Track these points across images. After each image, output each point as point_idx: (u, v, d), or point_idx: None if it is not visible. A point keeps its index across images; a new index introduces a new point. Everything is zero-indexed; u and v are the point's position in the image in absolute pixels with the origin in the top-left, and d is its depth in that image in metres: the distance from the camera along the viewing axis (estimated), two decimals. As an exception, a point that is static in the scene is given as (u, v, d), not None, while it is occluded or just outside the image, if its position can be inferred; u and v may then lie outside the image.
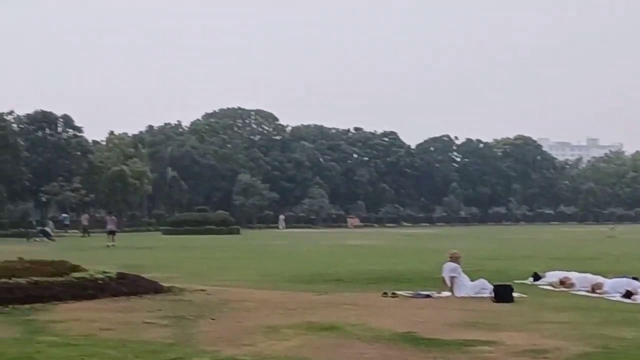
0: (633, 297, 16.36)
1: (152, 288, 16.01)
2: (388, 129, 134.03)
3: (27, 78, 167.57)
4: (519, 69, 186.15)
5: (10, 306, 13.40)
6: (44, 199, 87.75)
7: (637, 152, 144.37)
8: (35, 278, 14.73)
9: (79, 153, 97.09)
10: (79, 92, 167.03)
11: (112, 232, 49.13)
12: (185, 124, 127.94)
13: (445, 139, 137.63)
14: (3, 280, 14.46)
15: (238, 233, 71.10)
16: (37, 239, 55.81)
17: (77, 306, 13.77)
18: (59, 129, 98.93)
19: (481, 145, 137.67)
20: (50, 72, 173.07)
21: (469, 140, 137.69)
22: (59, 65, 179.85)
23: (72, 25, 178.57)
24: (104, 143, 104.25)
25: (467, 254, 22.74)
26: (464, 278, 17.09)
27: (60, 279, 15.09)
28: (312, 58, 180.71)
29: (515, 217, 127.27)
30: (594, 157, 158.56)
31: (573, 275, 19.05)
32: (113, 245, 44.68)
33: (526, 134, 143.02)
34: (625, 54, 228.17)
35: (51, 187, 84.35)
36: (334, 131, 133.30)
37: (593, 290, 17.57)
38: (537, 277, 20.02)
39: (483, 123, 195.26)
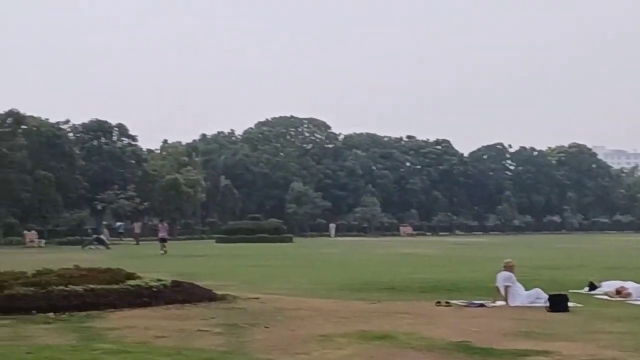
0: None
1: (206, 296, 16.07)
2: (441, 137, 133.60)
3: (83, 87, 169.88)
4: (573, 75, 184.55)
5: (67, 313, 13.55)
6: (99, 207, 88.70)
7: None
8: (91, 285, 14.88)
9: (133, 162, 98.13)
10: (134, 102, 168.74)
11: (163, 240, 48.97)
12: (239, 132, 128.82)
13: (499, 146, 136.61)
14: (60, 287, 14.63)
15: (291, 241, 71.17)
16: (92, 246, 56.38)
17: (132, 314, 13.87)
18: (114, 138, 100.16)
19: (535, 153, 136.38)
20: (105, 81, 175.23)
21: (522, 148, 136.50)
22: (114, 74, 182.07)
23: (125, 35, 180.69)
24: (158, 152, 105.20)
25: (521, 262, 22.57)
26: (519, 287, 16.91)
27: (115, 286, 15.22)
28: (365, 66, 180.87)
29: (570, 226, 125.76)
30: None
31: (630, 285, 18.73)
32: (164, 253, 44.88)
33: (581, 142, 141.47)
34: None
35: (106, 196, 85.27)
36: (386, 139, 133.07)
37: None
38: (592, 286, 19.74)
39: (537, 131, 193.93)
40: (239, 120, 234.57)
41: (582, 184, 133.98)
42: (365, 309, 15.31)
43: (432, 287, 20.80)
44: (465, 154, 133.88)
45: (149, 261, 36.22)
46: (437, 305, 16.11)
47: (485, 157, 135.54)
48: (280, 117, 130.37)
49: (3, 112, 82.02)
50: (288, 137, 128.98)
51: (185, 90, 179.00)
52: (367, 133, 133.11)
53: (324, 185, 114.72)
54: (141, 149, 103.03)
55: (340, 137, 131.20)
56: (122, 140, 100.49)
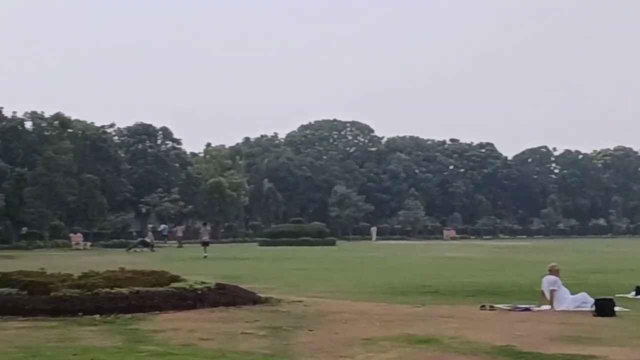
0: None
1: (250, 299, 16.11)
2: (484, 140, 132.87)
3: (128, 92, 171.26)
4: (618, 78, 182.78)
5: (113, 315, 13.67)
6: (143, 210, 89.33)
7: None
8: (136, 288, 15.00)
9: (177, 165, 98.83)
10: (177, 105, 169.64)
11: (205, 243, 48.99)
12: (282, 135, 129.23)
13: (543, 149, 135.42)
14: (106, 289, 14.77)
15: (334, 244, 71.11)
16: (137, 249, 56.71)
17: (177, 316, 13.95)
18: (159, 141, 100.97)
19: (580, 156, 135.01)
20: (150, 86, 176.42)
21: (567, 151, 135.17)
22: (158, 79, 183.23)
23: (167, 40, 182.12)
24: (202, 155, 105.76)
25: (567, 266, 22.36)
26: (564, 291, 16.75)
27: (160, 289, 15.32)
28: (408, 69, 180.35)
29: (616, 230, 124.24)
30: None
31: (678, 289, 18.54)
32: (205, 257, 44.93)
33: (627, 145, 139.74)
34: None
35: (151, 199, 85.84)
36: (429, 142, 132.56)
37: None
38: (639, 290, 19.52)
39: (582, 134, 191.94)
40: (282, 123, 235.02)
41: (628, 187, 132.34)
42: (409, 312, 15.26)
43: (476, 290, 20.69)
44: (510, 157, 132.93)
45: (192, 264, 36.42)
46: (482, 309, 16.02)
47: (529, 160, 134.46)
48: (323, 120, 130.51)
49: (49, 116, 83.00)
50: (331, 140, 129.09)
51: (229, 93, 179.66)
52: (410, 136, 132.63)
53: (367, 189, 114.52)
54: (185, 152, 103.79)
55: (383, 140, 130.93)
56: (166, 144, 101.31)
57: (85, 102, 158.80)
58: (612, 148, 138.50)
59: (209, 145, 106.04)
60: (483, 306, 16.30)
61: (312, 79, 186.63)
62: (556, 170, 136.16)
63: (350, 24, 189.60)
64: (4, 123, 78.63)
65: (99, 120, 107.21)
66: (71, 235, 68.23)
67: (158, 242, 67.34)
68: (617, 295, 18.23)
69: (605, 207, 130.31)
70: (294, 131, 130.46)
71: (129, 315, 13.72)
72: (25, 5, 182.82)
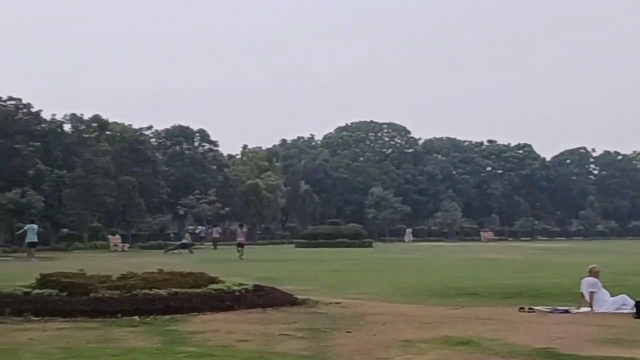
0: None
1: (288, 300, 16.12)
2: (522, 142, 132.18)
3: (164, 94, 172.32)
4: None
5: (152, 316, 13.75)
6: (181, 212, 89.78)
7: None
8: (174, 289, 15.07)
9: (214, 167, 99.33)
10: (214, 107, 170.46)
11: (241, 245, 48.76)
12: (318, 137, 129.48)
13: (582, 150, 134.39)
14: (144, 291, 14.86)
15: (370, 246, 70.98)
16: (175, 251, 56.81)
17: (215, 317, 13.99)
18: (196, 144, 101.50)
19: (619, 157, 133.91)
20: (186, 88, 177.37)
21: (606, 152, 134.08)
22: (194, 81, 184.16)
23: (206, 45, 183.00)
24: (239, 157, 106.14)
25: (606, 268, 22.13)
26: (604, 293, 16.59)
27: (198, 290, 15.38)
28: (443, 70, 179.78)
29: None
30: None
31: None
32: (241, 258, 44.90)
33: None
34: None
35: (188, 200, 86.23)
36: (466, 144, 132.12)
37: None
38: (681, 293, 19.29)
39: (621, 135, 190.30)
40: (318, 125, 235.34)
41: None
42: (447, 314, 15.19)
43: (515, 292, 20.54)
44: (548, 158, 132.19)
45: (229, 265, 36.49)
46: (521, 311, 15.91)
47: (568, 161, 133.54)
48: (360, 122, 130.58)
49: (88, 118, 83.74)
50: (368, 142, 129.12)
51: (265, 96, 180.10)
52: (447, 137, 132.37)
53: (404, 190, 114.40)
54: (222, 154, 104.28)
55: (420, 142, 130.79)
56: (203, 146, 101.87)
57: (123, 104, 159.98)
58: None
59: (245, 147, 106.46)
60: (522, 308, 16.19)
61: (349, 81, 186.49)
62: (595, 172, 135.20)
63: (385, 27, 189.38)
64: (43, 126, 79.45)
65: (136, 122, 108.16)
66: (109, 236, 68.72)
67: (195, 243, 67.46)
68: (658, 297, 18.02)
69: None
70: (330, 133, 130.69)
71: (167, 317, 13.79)
72: (63, 11, 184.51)
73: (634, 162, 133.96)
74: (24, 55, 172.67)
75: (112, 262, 39.13)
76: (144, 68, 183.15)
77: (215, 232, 74.24)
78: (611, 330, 12.89)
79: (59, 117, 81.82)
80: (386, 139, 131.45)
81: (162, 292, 14.84)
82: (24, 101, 78.88)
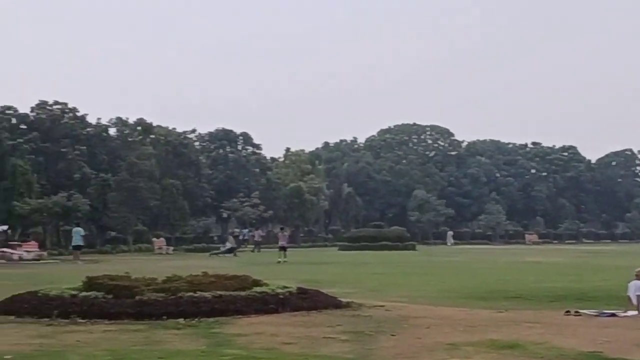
0: None
1: (332, 303, 16.12)
2: (567, 144, 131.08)
3: (207, 98, 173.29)
4: None
5: (196, 319, 13.81)
6: (224, 215, 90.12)
7: None
8: (219, 292, 15.13)
9: (257, 170, 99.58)
10: (257, 110, 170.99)
11: (283, 248, 48.42)
12: (361, 140, 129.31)
13: (628, 152, 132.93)
14: (189, 293, 14.93)
15: (414, 249, 70.77)
16: (220, 255, 56.93)
17: (259, 320, 14.03)
18: (239, 147, 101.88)
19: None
20: (229, 92, 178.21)
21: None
22: (237, 84, 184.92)
23: (251, 49, 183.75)
24: (282, 160, 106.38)
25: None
26: (652, 297, 16.41)
27: (243, 293, 15.42)
28: (486, 72, 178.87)
29: None
30: None
31: None
32: (285, 261, 44.62)
33: None
34: None
35: (231, 203, 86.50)
36: (510, 146, 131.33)
37: None
38: None
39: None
40: (361, 128, 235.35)
41: None
42: (492, 317, 15.10)
43: (560, 296, 20.38)
44: (593, 161, 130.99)
45: (272, 268, 36.60)
46: (566, 315, 15.77)
47: (613, 163, 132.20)
48: (403, 124, 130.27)
49: (132, 122, 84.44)
50: (410, 144, 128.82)
51: (308, 98, 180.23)
52: (490, 140, 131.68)
53: (447, 193, 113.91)
54: (265, 157, 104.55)
55: (464, 144, 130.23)
56: (246, 149, 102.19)
57: (166, 108, 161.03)
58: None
59: (288, 150, 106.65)
60: (568, 312, 16.05)
61: (392, 83, 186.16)
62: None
63: (430, 31, 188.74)
64: (89, 129, 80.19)
65: (180, 125, 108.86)
66: (154, 239, 69.16)
67: (241, 246, 67.58)
68: None
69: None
70: (373, 135, 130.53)
71: (211, 319, 13.85)
72: (110, 17, 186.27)
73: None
74: (71, 59, 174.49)
75: (156, 264, 39.38)
76: (188, 73, 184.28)
77: (257, 235, 74.40)
78: (659, 334, 12.75)
79: (104, 121, 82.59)
80: (429, 141, 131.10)
81: (207, 294, 14.90)
82: (70, 105, 79.72)
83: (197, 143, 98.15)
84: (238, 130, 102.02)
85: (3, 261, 46.90)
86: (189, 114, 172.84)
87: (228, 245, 60.77)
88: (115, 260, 47.36)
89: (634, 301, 16.28)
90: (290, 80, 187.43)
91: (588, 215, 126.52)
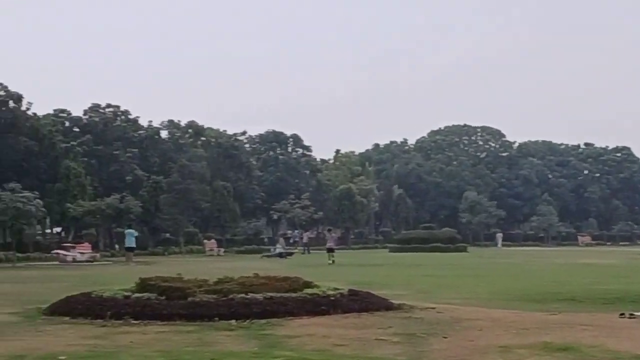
0: None
1: (383, 305, 16.06)
2: (620, 144, 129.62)
3: (258, 99, 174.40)
4: None
5: (248, 320, 13.85)
6: (275, 217, 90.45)
7: None
8: (270, 294, 15.15)
9: (307, 171, 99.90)
10: (306, 113, 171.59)
11: (331, 250, 48.42)
12: (411, 141, 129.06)
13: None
14: (241, 295, 14.98)
15: (465, 251, 70.45)
16: (272, 257, 57.07)
17: (311, 322, 14.02)
18: (289, 149, 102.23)
19: None
20: (279, 94, 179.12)
21: None
22: (287, 87, 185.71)
23: (301, 51, 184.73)
24: (332, 162, 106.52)
25: None
26: None
27: (294, 294, 15.42)
28: (537, 72, 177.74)
29: None
30: None
31: None
32: (332, 262, 44.60)
33: None
34: None
35: (282, 205, 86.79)
36: (563, 147, 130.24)
37: None
38: None
39: None
40: (411, 129, 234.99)
41: None
42: (545, 320, 14.94)
43: (615, 298, 20.11)
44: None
45: (322, 270, 36.60)
46: (621, 317, 15.55)
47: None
48: (453, 125, 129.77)
49: (184, 125, 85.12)
50: (461, 145, 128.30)
51: (358, 100, 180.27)
52: (542, 141, 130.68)
53: (499, 194, 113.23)
54: (315, 159, 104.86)
55: (515, 145, 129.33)
56: (296, 151, 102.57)
57: (218, 110, 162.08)
58: None
59: (338, 151, 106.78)
60: (622, 314, 15.83)
61: (442, 84, 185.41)
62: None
63: (478, 30, 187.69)
64: (141, 132, 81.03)
65: (230, 127, 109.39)
66: (205, 241, 69.65)
67: (289, 248, 67.80)
68: None
69: None
70: (423, 137, 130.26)
71: (263, 321, 13.86)
72: (163, 25, 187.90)
73: None
74: (124, 63, 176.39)
75: (208, 266, 39.62)
76: (240, 76, 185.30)
77: (306, 236, 74.52)
78: None
79: (155, 124, 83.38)
80: (480, 142, 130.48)
81: (259, 296, 14.93)
82: (122, 108, 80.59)
83: (247, 145, 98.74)
84: (288, 132, 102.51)
85: (57, 263, 47.59)
86: (239, 116, 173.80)
87: (278, 247, 61.01)
88: (167, 262, 47.76)
89: (691, 304, 16.04)
90: (340, 81, 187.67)
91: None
